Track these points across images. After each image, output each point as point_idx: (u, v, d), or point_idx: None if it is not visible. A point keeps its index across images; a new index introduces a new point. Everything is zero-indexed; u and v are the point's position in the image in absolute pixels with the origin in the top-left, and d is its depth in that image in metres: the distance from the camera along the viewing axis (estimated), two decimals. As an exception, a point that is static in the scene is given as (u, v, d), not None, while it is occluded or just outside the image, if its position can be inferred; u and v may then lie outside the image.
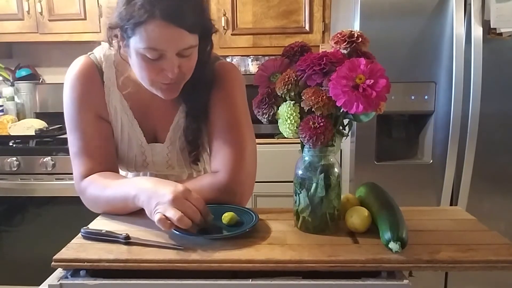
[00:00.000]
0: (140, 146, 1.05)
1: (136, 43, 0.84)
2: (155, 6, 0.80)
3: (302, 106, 0.76)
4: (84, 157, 0.97)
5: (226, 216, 0.83)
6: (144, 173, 1.12)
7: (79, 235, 0.84)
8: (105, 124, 1.02)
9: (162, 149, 1.05)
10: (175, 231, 0.78)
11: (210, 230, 0.82)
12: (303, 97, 0.75)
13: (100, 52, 1.01)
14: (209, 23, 0.92)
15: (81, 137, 0.98)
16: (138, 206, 0.85)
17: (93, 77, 0.99)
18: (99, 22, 2.35)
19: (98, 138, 0.99)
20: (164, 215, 0.77)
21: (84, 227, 0.85)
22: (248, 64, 2.42)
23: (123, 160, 1.07)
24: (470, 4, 1.73)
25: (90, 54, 1.02)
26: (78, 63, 1.00)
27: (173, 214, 0.76)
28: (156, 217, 0.78)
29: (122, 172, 1.12)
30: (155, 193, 0.81)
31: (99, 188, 0.93)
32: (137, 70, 0.90)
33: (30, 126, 2.33)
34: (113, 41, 0.92)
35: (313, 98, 0.73)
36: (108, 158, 1.00)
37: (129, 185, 0.88)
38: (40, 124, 2.39)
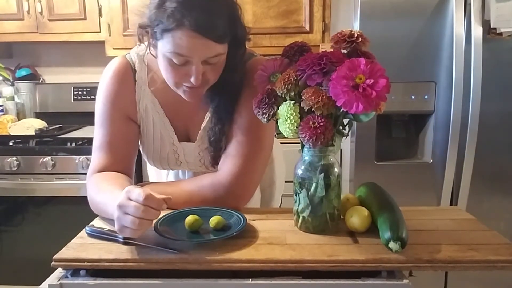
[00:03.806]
0: (172, 144, 1.06)
1: (163, 46, 0.85)
2: (185, 16, 0.80)
3: (302, 106, 0.75)
4: (102, 153, 1.00)
5: (213, 220, 0.82)
6: (179, 171, 1.15)
7: (80, 233, 0.84)
8: (131, 125, 1.04)
9: (194, 148, 1.05)
10: (158, 234, 0.77)
11: (197, 234, 0.81)
12: (303, 97, 0.75)
13: (134, 52, 1.03)
14: (242, 32, 0.91)
15: (104, 134, 1.01)
16: None
17: (126, 77, 1.02)
18: (99, 22, 2.34)
19: (120, 139, 1.01)
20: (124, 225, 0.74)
21: (89, 225, 0.85)
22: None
23: (157, 158, 1.08)
24: (470, 4, 1.73)
25: (126, 55, 1.04)
26: (114, 64, 1.03)
27: (130, 221, 0.72)
28: (119, 232, 0.76)
29: (156, 170, 1.16)
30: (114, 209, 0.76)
31: (95, 191, 0.94)
32: (163, 71, 0.91)
33: (30, 126, 2.33)
34: (144, 38, 0.92)
35: (313, 98, 0.73)
36: (124, 159, 1.02)
37: (111, 197, 0.84)
38: (40, 124, 2.38)
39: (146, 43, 0.93)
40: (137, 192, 0.73)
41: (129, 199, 0.73)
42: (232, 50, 0.90)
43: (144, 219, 0.72)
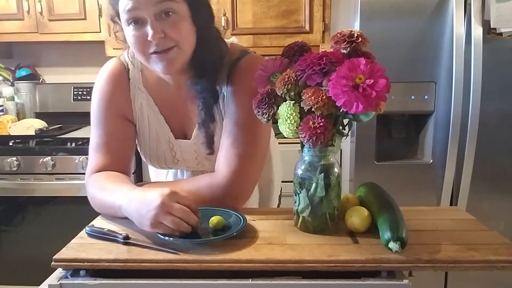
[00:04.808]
0: (168, 142, 1.06)
1: (122, 17, 0.88)
2: None
3: (302, 106, 0.75)
4: (99, 154, 1.00)
5: (213, 220, 0.82)
6: (176, 169, 1.15)
7: (80, 234, 0.84)
8: (127, 125, 1.04)
9: (190, 146, 1.05)
10: (159, 235, 0.77)
11: (197, 234, 0.81)
12: (303, 97, 0.75)
13: (127, 52, 1.04)
14: None
15: (101, 134, 1.01)
16: (125, 215, 0.84)
17: (120, 77, 1.03)
18: (99, 22, 2.35)
19: (116, 139, 1.02)
20: (160, 222, 0.76)
21: (89, 225, 0.85)
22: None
23: (154, 156, 1.08)
24: (470, 4, 1.73)
25: (120, 56, 1.06)
26: (109, 65, 1.05)
27: (170, 220, 0.76)
28: (150, 226, 0.77)
29: (155, 169, 1.17)
30: (143, 203, 0.79)
31: (97, 189, 0.95)
32: (131, 47, 0.92)
33: (30, 126, 2.33)
34: (121, 35, 0.94)
35: (313, 98, 0.73)
36: (122, 159, 1.02)
37: (119, 193, 0.87)
38: (40, 124, 2.39)
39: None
40: (184, 196, 0.80)
41: (174, 200, 0.77)
42: (195, 14, 0.90)
43: (184, 222, 0.77)
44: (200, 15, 0.92)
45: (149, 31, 0.86)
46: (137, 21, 0.87)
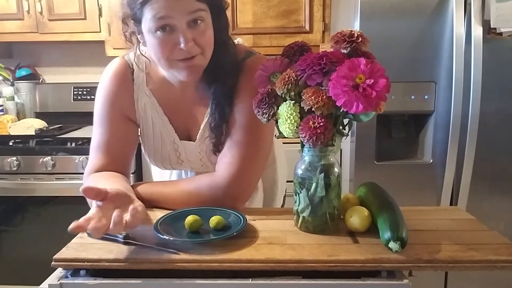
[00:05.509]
0: (173, 143, 1.06)
1: (146, 22, 0.86)
2: None
3: (302, 106, 0.75)
4: (99, 153, 1.00)
5: (213, 220, 0.82)
6: (180, 170, 1.15)
7: (80, 233, 0.84)
8: (130, 125, 1.04)
9: (194, 147, 1.05)
10: (159, 235, 0.77)
11: (197, 234, 0.81)
12: (303, 97, 0.75)
13: (132, 52, 1.04)
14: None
15: (102, 133, 1.01)
16: None
17: (124, 77, 1.03)
18: (99, 22, 2.35)
19: (117, 139, 1.02)
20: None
21: None
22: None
23: (158, 157, 1.08)
24: (470, 4, 1.73)
25: (125, 55, 1.05)
26: (114, 64, 1.04)
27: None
28: None
29: (159, 170, 1.16)
30: None
31: None
32: (153, 54, 0.91)
33: (30, 125, 2.33)
34: (132, 38, 0.94)
35: (313, 98, 0.73)
36: (121, 159, 1.02)
37: None
38: (40, 123, 2.39)
39: (134, 41, 0.95)
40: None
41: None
42: (215, 20, 0.91)
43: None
44: (219, 20, 0.92)
45: (182, 39, 0.85)
46: (165, 28, 0.86)
